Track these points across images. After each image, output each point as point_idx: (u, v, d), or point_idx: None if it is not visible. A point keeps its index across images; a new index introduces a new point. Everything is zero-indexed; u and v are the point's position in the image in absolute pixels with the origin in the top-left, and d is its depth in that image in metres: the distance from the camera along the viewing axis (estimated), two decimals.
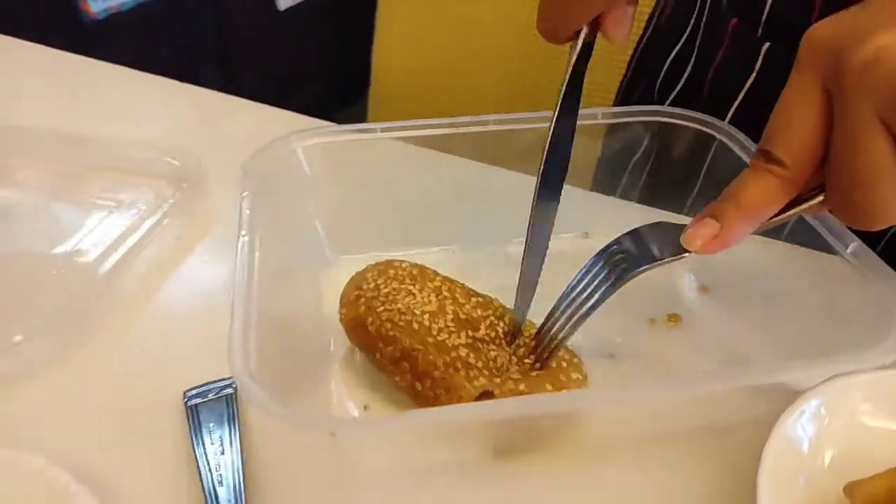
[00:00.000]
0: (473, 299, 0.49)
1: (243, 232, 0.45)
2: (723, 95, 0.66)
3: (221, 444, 0.44)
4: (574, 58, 0.43)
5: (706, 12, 0.68)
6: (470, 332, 0.47)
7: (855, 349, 0.41)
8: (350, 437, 0.44)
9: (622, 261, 0.43)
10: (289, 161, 0.53)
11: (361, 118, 1.20)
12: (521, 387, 0.44)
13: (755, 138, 0.54)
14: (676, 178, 0.62)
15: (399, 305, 0.47)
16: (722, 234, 0.39)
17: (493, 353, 0.47)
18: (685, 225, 0.43)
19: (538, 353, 0.46)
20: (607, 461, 0.45)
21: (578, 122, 0.46)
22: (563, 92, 0.44)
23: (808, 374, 0.42)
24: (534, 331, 0.48)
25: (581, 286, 0.45)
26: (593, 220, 0.62)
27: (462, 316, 0.48)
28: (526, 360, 0.46)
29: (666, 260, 0.42)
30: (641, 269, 0.42)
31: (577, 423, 0.47)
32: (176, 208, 0.60)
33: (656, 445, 0.46)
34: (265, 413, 0.35)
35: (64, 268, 0.57)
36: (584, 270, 0.45)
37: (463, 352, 0.45)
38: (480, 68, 1.15)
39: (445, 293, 0.49)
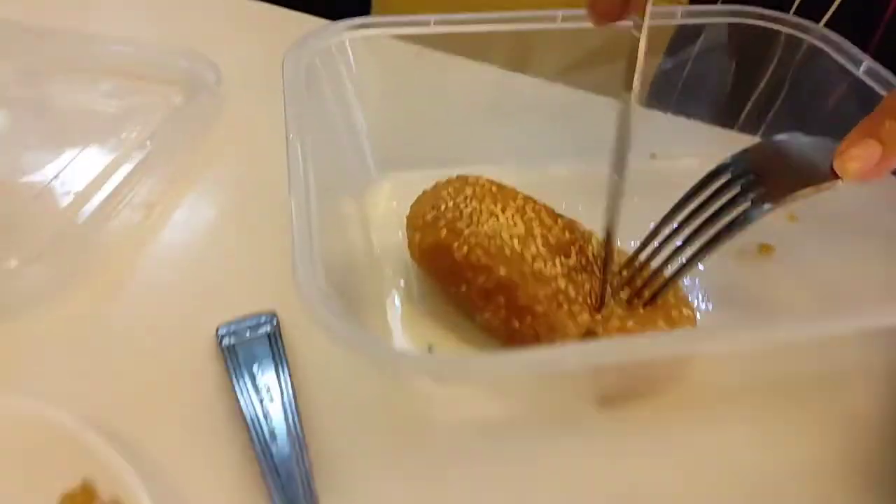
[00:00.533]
0: (560, 221, 0.43)
1: (291, 135, 0.37)
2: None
3: (269, 390, 0.37)
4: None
5: None
6: (563, 260, 0.40)
7: None
8: (450, 378, 0.35)
9: (754, 185, 0.36)
10: (331, 56, 0.45)
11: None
12: (630, 324, 0.38)
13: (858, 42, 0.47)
14: (754, 89, 0.55)
15: (485, 228, 0.40)
16: (887, 158, 0.33)
17: (587, 285, 0.40)
18: (828, 142, 0.36)
19: (643, 288, 0.39)
20: (715, 411, 0.40)
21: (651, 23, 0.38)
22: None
23: None
24: (621, 258, 0.42)
25: (696, 214, 0.38)
26: (658, 140, 0.55)
27: (552, 240, 0.41)
28: (622, 292, 0.40)
29: (813, 187, 0.35)
30: (786, 197, 0.35)
31: (689, 367, 0.41)
32: (188, 119, 0.52)
33: (765, 393, 0.40)
34: (343, 343, 0.28)
35: (65, 187, 0.49)
36: (694, 194, 0.38)
37: (562, 283, 0.39)
38: None
39: (531, 213, 0.42)
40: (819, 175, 0.35)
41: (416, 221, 0.42)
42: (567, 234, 0.42)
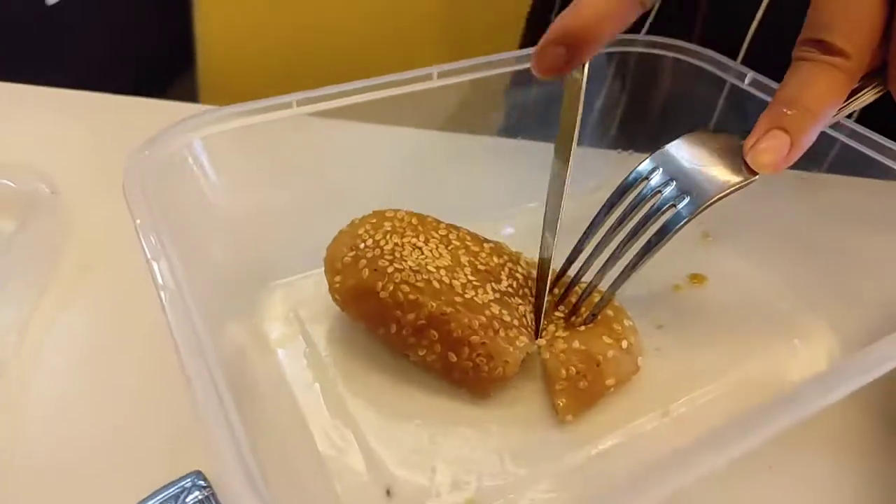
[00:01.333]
0: (486, 245, 0.42)
1: (162, 284, 0.30)
2: None
3: None
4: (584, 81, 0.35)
5: None
6: (494, 285, 0.39)
7: None
8: None
9: (674, 189, 0.36)
10: (182, 161, 0.38)
11: (192, 96, 1.03)
12: (576, 344, 0.37)
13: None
14: (645, 113, 0.53)
15: (409, 263, 0.38)
16: (795, 146, 0.33)
17: (521, 308, 0.39)
18: (734, 139, 0.35)
19: (578, 305, 0.39)
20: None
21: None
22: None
23: None
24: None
25: (621, 225, 0.37)
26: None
27: (480, 267, 0.40)
28: (557, 312, 0.40)
29: (731, 190, 0.34)
30: (707, 203, 0.34)
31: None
32: (27, 247, 0.44)
33: None
34: None
35: None
36: (612, 205, 0.38)
37: (496, 309, 0.38)
38: (316, 41, 1.00)
39: (455, 241, 0.41)
40: (735, 174, 0.35)
41: (335, 264, 0.39)
42: (495, 259, 0.41)
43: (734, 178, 0.34)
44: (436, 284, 0.37)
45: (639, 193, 0.37)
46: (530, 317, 0.39)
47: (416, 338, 0.37)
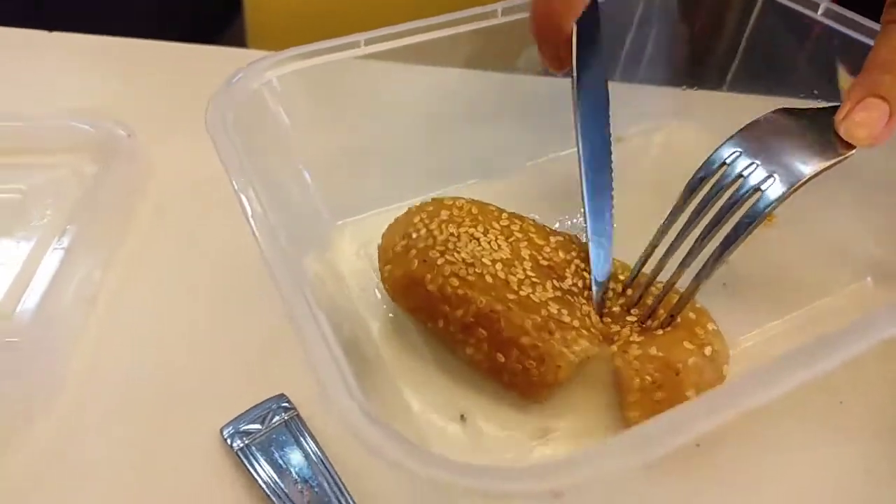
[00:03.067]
0: (553, 239, 0.39)
1: (242, 196, 0.31)
2: None
3: (310, 487, 0.32)
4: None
5: None
6: (556, 283, 0.36)
7: None
8: None
9: (758, 171, 0.33)
10: (261, 98, 0.39)
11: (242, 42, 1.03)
12: (653, 350, 0.34)
13: None
14: (712, 47, 0.52)
15: (463, 255, 0.36)
16: (894, 119, 0.30)
17: (586, 308, 0.36)
18: (820, 113, 0.33)
19: (655, 306, 0.36)
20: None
21: None
22: None
23: None
24: (622, 270, 0.38)
25: (700, 216, 0.34)
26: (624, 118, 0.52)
27: (543, 262, 0.37)
28: (630, 316, 0.37)
29: (823, 167, 0.32)
30: (798, 184, 0.32)
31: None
32: (109, 187, 0.45)
33: None
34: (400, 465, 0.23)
35: None
36: (689, 194, 0.35)
37: (553, 308, 0.35)
38: None
39: (517, 234, 0.38)
40: (828, 150, 0.32)
41: (387, 253, 0.38)
42: (561, 254, 0.38)
43: (827, 155, 0.32)
44: (489, 279, 0.35)
45: (719, 180, 0.34)
46: (595, 318, 0.36)
47: (463, 335, 0.35)
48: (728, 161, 0.34)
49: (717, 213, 0.34)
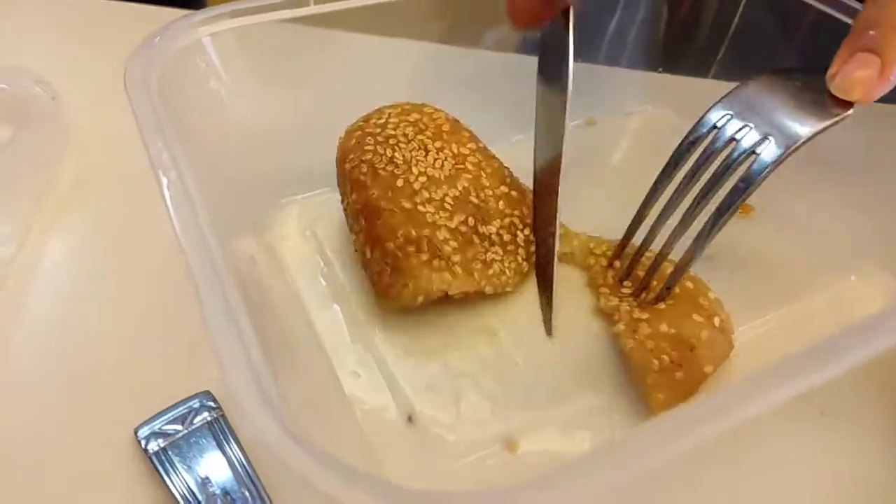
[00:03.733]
0: (505, 190, 0.37)
1: (160, 172, 0.27)
2: None
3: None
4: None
5: None
6: (472, 221, 0.35)
7: None
8: None
9: (752, 134, 0.31)
10: (189, 59, 0.35)
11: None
12: (664, 327, 0.32)
13: None
14: (696, 30, 0.49)
15: (397, 154, 0.35)
16: (887, 67, 0.28)
17: (493, 258, 0.35)
18: (815, 71, 0.31)
19: (647, 278, 0.34)
20: None
21: None
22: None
23: None
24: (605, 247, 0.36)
25: (691, 182, 0.32)
26: (597, 101, 0.48)
27: (474, 199, 0.35)
28: (623, 288, 0.35)
29: (820, 128, 0.30)
30: (795, 145, 0.29)
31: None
32: (24, 154, 0.40)
33: None
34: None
35: None
36: (678, 160, 0.33)
37: (442, 235, 0.33)
38: None
39: (470, 166, 0.36)
40: (824, 110, 0.30)
41: (352, 126, 0.38)
42: (502, 205, 0.36)
43: (823, 116, 0.30)
44: (398, 182, 0.34)
45: (710, 144, 0.32)
46: (504, 276, 0.35)
47: (353, 219, 0.35)
48: (719, 124, 0.32)
49: (710, 180, 0.32)
